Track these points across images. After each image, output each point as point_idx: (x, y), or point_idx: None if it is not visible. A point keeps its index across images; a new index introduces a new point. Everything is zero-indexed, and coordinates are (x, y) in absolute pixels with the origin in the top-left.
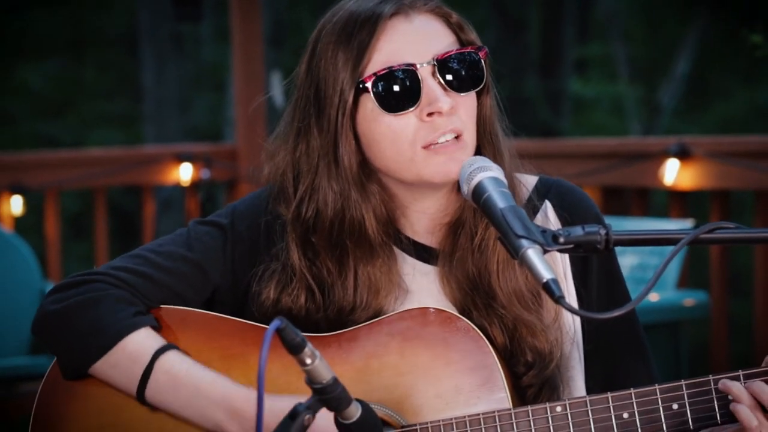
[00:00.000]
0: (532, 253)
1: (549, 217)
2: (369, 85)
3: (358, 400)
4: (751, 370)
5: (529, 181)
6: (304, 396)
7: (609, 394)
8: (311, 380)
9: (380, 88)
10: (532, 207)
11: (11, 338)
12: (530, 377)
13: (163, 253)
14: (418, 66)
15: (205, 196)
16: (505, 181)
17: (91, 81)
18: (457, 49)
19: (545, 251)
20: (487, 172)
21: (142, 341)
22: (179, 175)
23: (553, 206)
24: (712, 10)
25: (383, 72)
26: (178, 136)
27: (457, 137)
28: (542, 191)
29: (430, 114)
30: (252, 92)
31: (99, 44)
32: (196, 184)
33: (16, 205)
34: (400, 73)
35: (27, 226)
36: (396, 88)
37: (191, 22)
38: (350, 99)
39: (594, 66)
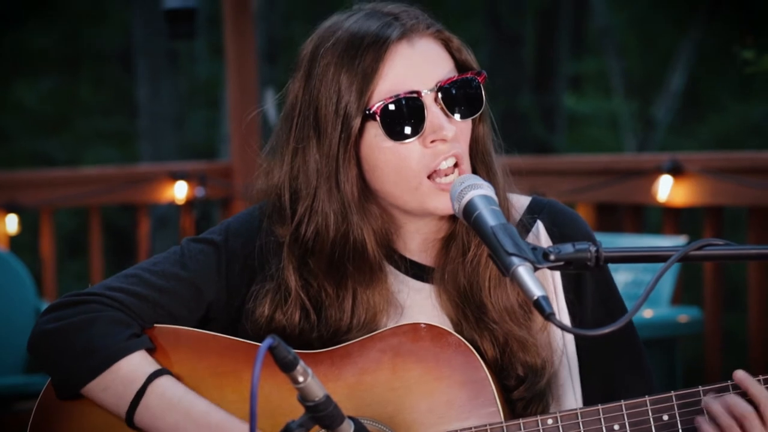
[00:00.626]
0: (523, 271)
1: (540, 237)
2: (376, 112)
3: (350, 417)
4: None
5: (521, 201)
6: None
7: (600, 406)
8: (304, 398)
9: (387, 116)
10: (524, 227)
11: (7, 357)
12: (521, 391)
13: (158, 272)
14: (422, 93)
15: (200, 214)
16: (495, 198)
17: (86, 98)
18: (458, 75)
19: (536, 269)
20: (478, 190)
21: (137, 365)
22: (174, 193)
23: (545, 226)
24: (705, 25)
25: (390, 100)
26: (173, 153)
27: (456, 165)
28: (534, 211)
29: (433, 141)
30: (246, 109)
31: (94, 61)
32: (190, 202)
33: (11, 223)
34: (405, 101)
35: (22, 244)
36: (402, 115)
37: (185, 39)
38: (356, 126)
39: (589, 81)
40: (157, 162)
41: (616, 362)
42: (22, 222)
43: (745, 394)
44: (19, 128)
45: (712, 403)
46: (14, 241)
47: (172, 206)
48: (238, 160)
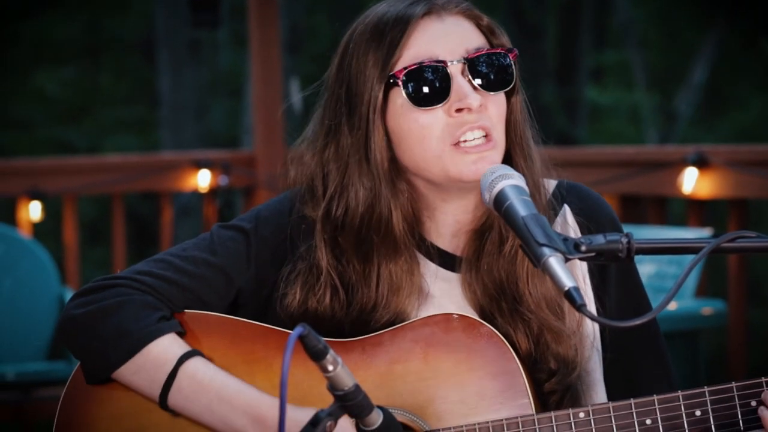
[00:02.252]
0: (554, 261)
1: (568, 220)
2: (399, 79)
3: (379, 407)
4: None
5: (548, 184)
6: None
7: (632, 401)
8: (333, 387)
9: (410, 83)
10: (552, 210)
11: (30, 343)
12: (552, 384)
13: (187, 258)
14: (448, 63)
15: (223, 203)
16: (527, 189)
17: (108, 87)
18: (487, 50)
19: (567, 259)
20: (509, 180)
21: (167, 347)
22: (197, 181)
23: (572, 210)
24: (729, 18)
25: (414, 67)
26: (195, 143)
27: (485, 136)
28: (561, 195)
29: (458, 110)
30: (270, 98)
31: (115, 50)
32: (214, 191)
33: (34, 210)
34: (430, 68)
35: (45, 231)
36: (426, 83)
37: (209, 28)
38: (380, 94)
39: (611, 74)
40: (180, 150)
41: (640, 354)
42: (45, 209)
43: None
44: (41, 116)
45: None
46: (37, 228)
47: (195, 194)
48: (262, 150)
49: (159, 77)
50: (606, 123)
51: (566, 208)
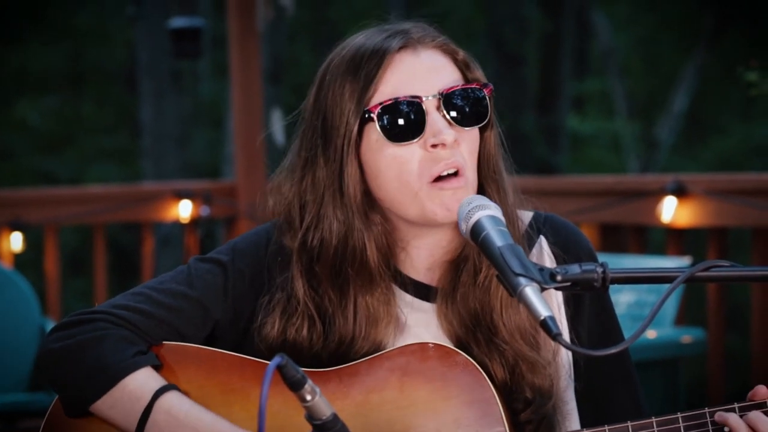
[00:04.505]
0: (530, 291)
1: (544, 251)
2: (374, 114)
3: None
4: (746, 403)
5: (524, 216)
6: None
7: (606, 427)
8: (311, 416)
9: (385, 118)
10: (528, 242)
11: (11, 374)
12: (528, 413)
13: (164, 291)
14: (423, 98)
15: (205, 233)
16: (503, 219)
17: (90, 116)
18: (462, 85)
19: (543, 289)
20: (486, 211)
21: (143, 382)
22: (178, 211)
23: (548, 241)
24: (709, 47)
25: (389, 102)
26: (176, 172)
27: (456, 173)
28: (537, 226)
29: (433, 146)
30: (251, 129)
31: (98, 80)
32: (195, 221)
33: (15, 241)
34: (405, 104)
35: (26, 262)
36: (401, 118)
37: (190, 58)
38: (355, 128)
39: (591, 102)
40: (161, 180)
41: (611, 383)
42: (27, 240)
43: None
44: (23, 146)
45: (730, 416)
46: (18, 259)
47: (177, 225)
48: (243, 180)
49: (141, 107)
50: (587, 151)
51: (542, 239)
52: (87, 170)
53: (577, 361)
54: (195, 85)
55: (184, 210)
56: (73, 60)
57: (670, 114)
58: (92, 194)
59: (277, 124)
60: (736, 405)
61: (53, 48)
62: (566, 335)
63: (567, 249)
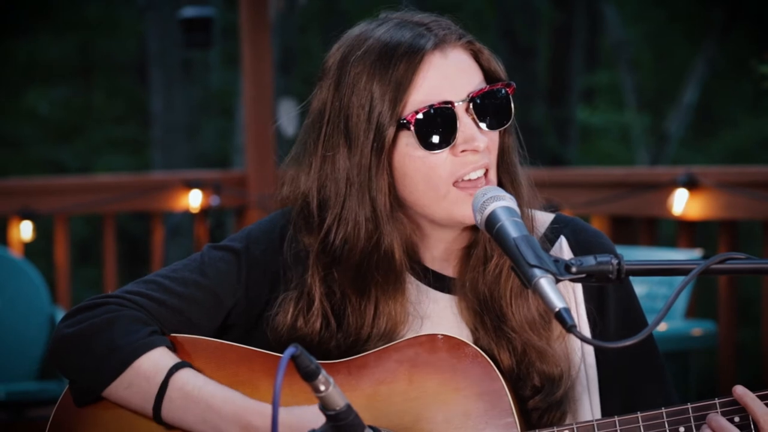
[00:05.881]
0: (545, 283)
1: (564, 253)
2: (410, 122)
3: (371, 426)
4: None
5: (545, 218)
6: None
7: (616, 418)
8: (325, 407)
9: (421, 126)
10: (548, 242)
11: (21, 363)
12: (536, 401)
13: (177, 279)
14: (455, 104)
15: (214, 223)
16: (518, 210)
17: (100, 106)
18: (489, 87)
19: (558, 280)
20: (500, 202)
21: (158, 360)
22: (188, 201)
23: (569, 242)
24: (720, 40)
25: (424, 110)
26: (186, 162)
27: (485, 173)
28: (558, 228)
29: (463, 151)
30: (262, 119)
31: (108, 70)
32: (205, 211)
33: (25, 230)
34: (439, 111)
35: (36, 251)
36: (435, 125)
37: (201, 49)
38: (391, 135)
39: (602, 94)
40: (171, 170)
41: (637, 375)
42: (37, 229)
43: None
44: (32, 136)
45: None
46: (28, 248)
47: (187, 215)
48: (253, 170)
49: (151, 97)
50: (597, 144)
51: (563, 239)
52: (97, 160)
53: (600, 356)
54: (205, 75)
55: (194, 200)
56: (83, 50)
57: (680, 107)
58: (102, 183)
59: (285, 114)
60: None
61: (63, 38)
62: (585, 329)
63: (588, 251)
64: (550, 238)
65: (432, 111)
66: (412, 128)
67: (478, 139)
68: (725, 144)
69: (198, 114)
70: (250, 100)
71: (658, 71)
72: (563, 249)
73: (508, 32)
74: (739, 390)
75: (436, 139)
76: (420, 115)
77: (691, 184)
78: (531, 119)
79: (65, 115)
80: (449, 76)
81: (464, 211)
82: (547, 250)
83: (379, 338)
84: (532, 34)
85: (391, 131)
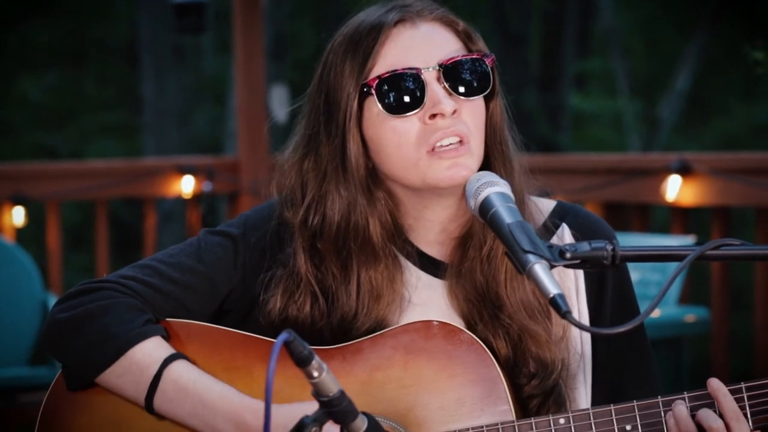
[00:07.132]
0: (539, 268)
1: (566, 239)
2: (373, 88)
3: (364, 413)
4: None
5: (547, 205)
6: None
7: (612, 407)
8: (318, 393)
9: (384, 91)
10: (549, 230)
11: (12, 348)
12: (532, 387)
13: (173, 265)
14: (422, 70)
15: (207, 209)
16: (512, 196)
17: (91, 92)
18: (462, 55)
19: (552, 266)
20: (494, 188)
21: (152, 350)
22: (181, 187)
23: (570, 229)
24: (712, 25)
25: (387, 75)
26: (178, 148)
27: (460, 141)
28: (560, 215)
29: (432, 116)
30: (254, 105)
31: (99, 55)
32: (197, 197)
33: (17, 215)
34: (404, 76)
35: (28, 236)
36: (400, 91)
37: (193, 34)
38: (356, 103)
39: (594, 81)
40: (164, 156)
41: (626, 362)
42: (29, 214)
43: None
44: (24, 122)
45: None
46: (20, 233)
47: (179, 200)
48: (246, 156)
49: (142, 83)
50: (589, 130)
51: (564, 226)
52: (88, 146)
53: (596, 343)
54: (197, 60)
55: (186, 185)
56: (74, 36)
57: (672, 93)
58: (95, 169)
59: (276, 100)
60: (743, 384)
61: (55, 24)
62: (584, 316)
63: (591, 238)
64: (552, 225)
65: (395, 75)
66: (374, 92)
67: (443, 102)
68: (717, 130)
69: (190, 100)
70: (242, 85)
71: (649, 57)
72: (565, 236)
73: (499, 19)
74: (714, 383)
75: (400, 103)
76: (381, 81)
77: (684, 171)
78: (523, 106)
79: (57, 100)
80: (418, 44)
81: (437, 174)
82: (549, 238)
83: (365, 313)
84: (523, 22)
85: (356, 99)
